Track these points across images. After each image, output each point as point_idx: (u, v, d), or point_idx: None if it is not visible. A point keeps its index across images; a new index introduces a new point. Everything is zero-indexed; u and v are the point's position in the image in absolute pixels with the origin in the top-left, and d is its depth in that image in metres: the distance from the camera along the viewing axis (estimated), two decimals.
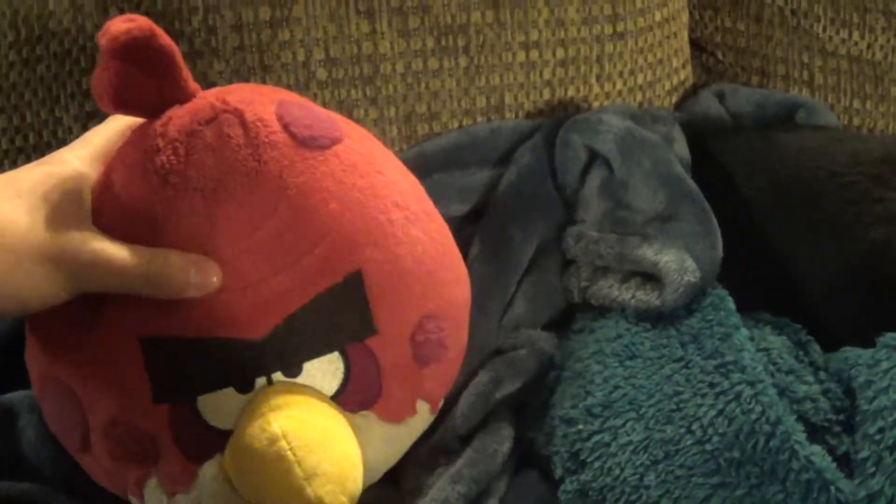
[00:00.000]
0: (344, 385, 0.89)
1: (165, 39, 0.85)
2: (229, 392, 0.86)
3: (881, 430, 0.90)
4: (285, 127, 0.87)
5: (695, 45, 1.48)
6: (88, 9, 1.19)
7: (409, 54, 1.24)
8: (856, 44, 1.44)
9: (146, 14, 1.14)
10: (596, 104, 1.32)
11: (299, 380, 0.87)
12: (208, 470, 0.87)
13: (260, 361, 0.86)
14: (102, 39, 0.83)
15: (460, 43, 1.25)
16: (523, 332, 1.11)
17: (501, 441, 1.02)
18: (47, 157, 0.89)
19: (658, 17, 1.36)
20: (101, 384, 0.86)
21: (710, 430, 0.92)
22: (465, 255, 1.15)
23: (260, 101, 0.89)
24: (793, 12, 1.44)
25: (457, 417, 1.03)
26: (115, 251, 0.82)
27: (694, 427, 0.93)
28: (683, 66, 1.43)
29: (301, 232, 0.86)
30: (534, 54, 1.28)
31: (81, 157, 0.89)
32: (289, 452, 0.82)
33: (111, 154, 0.90)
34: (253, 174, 0.84)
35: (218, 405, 0.86)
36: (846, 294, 1.09)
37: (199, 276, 0.83)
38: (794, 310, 1.10)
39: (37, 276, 0.80)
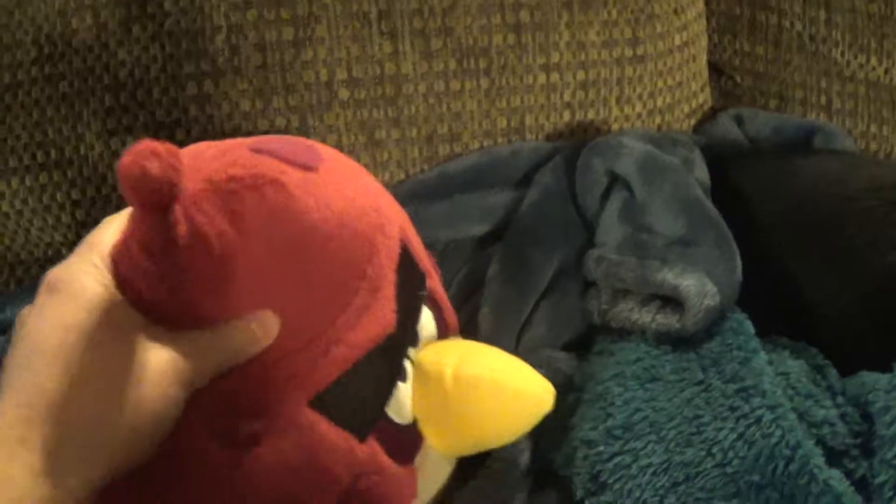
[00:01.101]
0: (437, 326, 0.96)
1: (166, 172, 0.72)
2: (398, 386, 0.88)
3: None
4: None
5: (713, 68, 1.48)
6: (111, 26, 1.19)
7: (432, 75, 1.25)
8: (874, 69, 1.44)
9: (169, 34, 1.16)
10: (615, 126, 1.33)
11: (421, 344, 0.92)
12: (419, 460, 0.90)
13: (398, 349, 0.88)
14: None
15: (482, 65, 1.26)
16: (542, 353, 1.12)
17: (519, 454, 1.03)
18: (62, 282, 0.75)
19: (677, 40, 1.37)
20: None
21: (730, 454, 0.92)
22: (484, 275, 1.16)
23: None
24: (811, 37, 1.45)
25: None
26: (187, 355, 0.76)
27: (714, 450, 0.93)
28: (702, 90, 1.43)
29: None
30: (554, 77, 1.29)
31: (97, 273, 0.76)
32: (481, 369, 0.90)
33: None
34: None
35: (397, 404, 0.87)
36: (863, 318, 1.09)
37: (261, 326, 0.79)
38: (812, 334, 1.10)
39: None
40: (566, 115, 1.30)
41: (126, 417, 0.72)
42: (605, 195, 1.19)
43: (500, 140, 1.27)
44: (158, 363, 0.74)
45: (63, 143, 1.21)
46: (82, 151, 1.21)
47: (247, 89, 1.19)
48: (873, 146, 1.46)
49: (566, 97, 1.29)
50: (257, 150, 0.81)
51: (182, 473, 0.78)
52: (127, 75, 1.19)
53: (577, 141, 1.26)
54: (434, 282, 0.97)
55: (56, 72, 1.20)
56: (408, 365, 0.89)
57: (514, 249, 1.17)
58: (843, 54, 1.44)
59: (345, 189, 0.87)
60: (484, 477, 1.01)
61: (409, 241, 0.93)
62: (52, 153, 1.21)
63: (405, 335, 0.89)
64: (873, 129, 1.45)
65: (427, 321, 0.94)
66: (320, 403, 0.81)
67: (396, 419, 0.87)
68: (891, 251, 1.08)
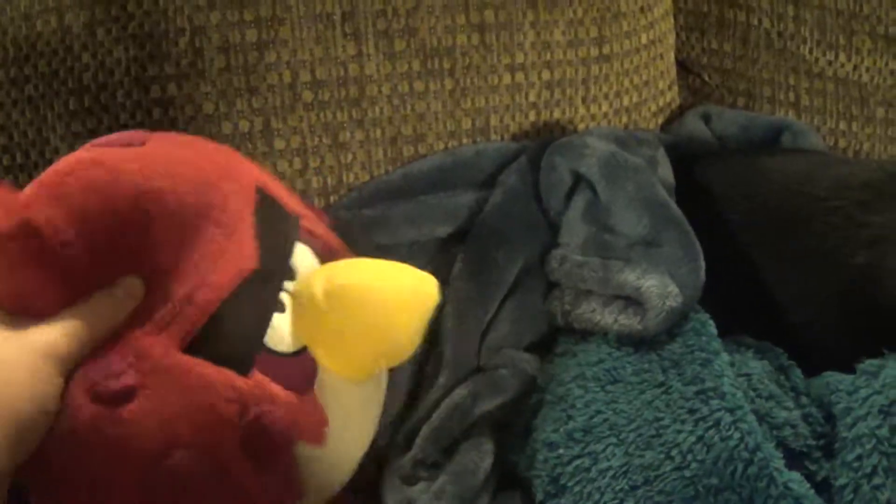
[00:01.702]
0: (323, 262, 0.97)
1: None
2: (275, 317, 0.89)
3: (859, 458, 0.91)
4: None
5: (681, 66, 1.48)
6: (76, 30, 1.19)
7: (395, 77, 1.24)
8: (842, 66, 1.45)
9: (132, 37, 1.16)
10: (582, 126, 1.32)
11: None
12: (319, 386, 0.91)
13: (269, 283, 0.90)
14: None
15: (446, 65, 1.26)
16: (506, 353, 1.12)
17: (482, 456, 1.03)
18: None
19: (644, 39, 1.37)
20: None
21: (689, 457, 0.92)
22: (448, 274, 1.15)
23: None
24: (779, 34, 1.45)
25: (433, 429, 1.04)
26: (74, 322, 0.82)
27: (673, 453, 0.93)
28: (670, 88, 1.43)
29: None
30: (519, 77, 1.28)
31: None
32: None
33: None
34: None
35: (276, 334, 0.88)
36: (829, 318, 1.10)
37: (125, 291, 0.84)
38: (777, 334, 1.10)
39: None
40: (532, 115, 1.29)
41: (6, 415, 0.76)
42: (570, 195, 1.19)
43: (464, 141, 1.27)
44: (25, 354, 0.78)
45: (28, 147, 1.21)
46: (47, 155, 1.21)
47: (210, 92, 1.19)
48: (842, 143, 1.46)
49: (531, 97, 1.29)
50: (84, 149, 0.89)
51: (69, 440, 0.82)
52: (91, 78, 1.19)
53: (543, 141, 1.25)
54: (310, 222, 0.98)
55: (21, 75, 1.20)
56: (284, 297, 0.90)
57: (477, 249, 1.17)
58: (811, 51, 1.45)
59: (176, 152, 0.91)
60: (448, 479, 1.01)
61: (267, 187, 0.94)
62: (18, 156, 1.21)
63: (275, 270, 0.90)
64: (842, 125, 1.46)
65: (303, 256, 0.94)
66: (193, 347, 0.84)
67: (279, 349, 0.88)
68: (858, 252, 1.09)
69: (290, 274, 0.92)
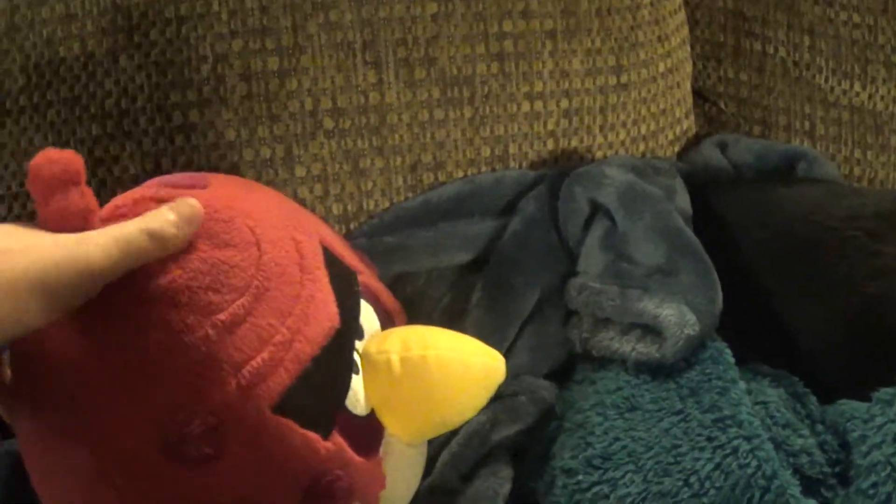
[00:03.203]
0: (380, 319, 0.97)
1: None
2: (355, 379, 0.89)
3: (874, 486, 0.92)
4: None
5: (698, 95, 1.49)
6: (98, 56, 1.20)
7: (416, 105, 1.25)
8: (857, 94, 1.45)
9: (155, 63, 1.17)
10: (599, 154, 1.33)
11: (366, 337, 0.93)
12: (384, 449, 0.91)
13: (348, 342, 0.89)
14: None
15: (465, 94, 1.27)
16: (524, 380, 1.13)
17: (501, 483, 1.04)
18: None
19: (661, 68, 1.38)
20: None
21: (706, 484, 0.93)
22: (467, 302, 1.16)
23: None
24: (795, 63, 1.45)
25: (452, 455, 1.05)
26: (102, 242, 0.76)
27: (691, 480, 0.94)
28: (686, 117, 1.44)
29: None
30: (538, 105, 1.29)
31: None
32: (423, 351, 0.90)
33: None
34: None
35: (354, 396, 0.88)
36: (843, 347, 1.10)
37: (177, 211, 0.79)
38: (793, 362, 1.11)
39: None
40: (550, 144, 1.30)
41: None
42: (588, 224, 1.19)
43: (483, 168, 1.28)
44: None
45: None
46: None
47: (232, 119, 1.20)
48: (857, 171, 1.47)
49: (550, 125, 1.30)
50: (148, 185, 0.87)
51: (131, 484, 0.80)
52: (113, 105, 1.20)
53: (561, 169, 1.26)
54: (367, 277, 0.98)
55: (44, 100, 1.21)
56: (357, 357, 0.90)
57: (497, 277, 1.18)
58: (826, 80, 1.45)
59: (246, 195, 0.89)
60: None
61: (326, 240, 0.93)
62: None
63: (350, 328, 0.89)
64: (857, 154, 1.46)
65: (368, 314, 0.95)
66: (284, 407, 0.81)
67: (355, 412, 0.88)
68: (870, 281, 1.09)
69: (360, 333, 0.92)
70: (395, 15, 1.24)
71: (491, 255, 1.20)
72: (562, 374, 1.15)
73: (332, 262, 0.91)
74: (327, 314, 0.86)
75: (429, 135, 1.26)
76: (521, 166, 1.30)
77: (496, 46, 1.27)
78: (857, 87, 1.45)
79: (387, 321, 0.98)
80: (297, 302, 0.84)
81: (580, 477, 0.97)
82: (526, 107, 1.29)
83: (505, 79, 1.28)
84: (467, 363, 0.91)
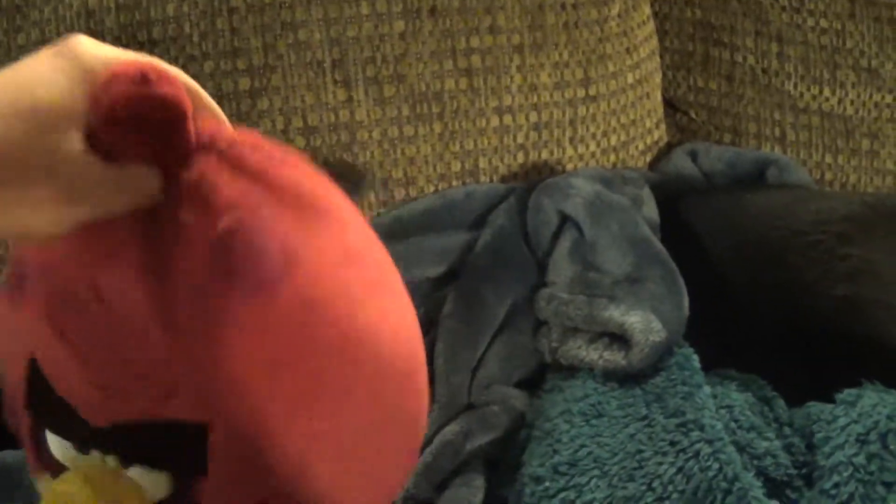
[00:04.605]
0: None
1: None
2: (69, 445, 0.80)
3: (836, 486, 0.93)
4: None
5: (668, 105, 1.51)
6: None
7: (385, 121, 1.27)
8: (827, 99, 1.47)
9: None
10: (570, 166, 1.35)
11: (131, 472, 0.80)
12: (44, 482, 0.84)
13: (98, 440, 0.79)
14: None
15: (435, 109, 1.28)
16: (496, 389, 1.14)
17: (474, 492, 1.05)
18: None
19: (630, 79, 1.39)
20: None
21: (669, 488, 0.94)
22: (439, 314, 1.18)
23: None
24: (764, 70, 1.47)
25: (426, 465, 1.06)
26: None
27: (655, 484, 0.95)
28: (657, 126, 1.46)
29: None
30: (507, 119, 1.31)
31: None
32: None
33: None
34: None
35: (58, 446, 0.80)
36: (811, 349, 1.12)
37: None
38: (762, 365, 1.12)
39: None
40: (520, 157, 1.32)
41: None
42: (557, 235, 1.21)
43: (454, 183, 1.30)
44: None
45: None
46: None
47: None
48: (829, 175, 1.48)
49: (519, 139, 1.32)
50: None
51: None
52: None
53: (531, 182, 1.27)
54: None
55: None
56: (96, 454, 0.80)
57: (468, 289, 1.19)
58: (795, 86, 1.47)
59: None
60: None
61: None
62: None
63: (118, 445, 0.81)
64: (828, 159, 1.48)
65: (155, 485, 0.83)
66: None
67: (49, 445, 0.81)
68: (838, 284, 1.11)
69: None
70: (363, 33, 1.26)
71: (462, 268, 1.21)
72: (533, 384, 1.16)
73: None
74: None
75: (399, 151, 1.27)
76: (491, 180, 1.31)
77: (464, 62, 1.29)
78: (826, 92, 1.46)
79: None
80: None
81: (547, 484, 0.98)
82: (495, 121, 1.30)
83: (474, 94, 1.29)
84: None
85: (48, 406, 0.79)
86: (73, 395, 0.77)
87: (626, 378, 1.09)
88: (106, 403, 0.75)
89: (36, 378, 0.79)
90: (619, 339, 1.11)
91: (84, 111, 0.67)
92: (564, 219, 1.21)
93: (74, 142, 0.66)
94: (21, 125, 0.64)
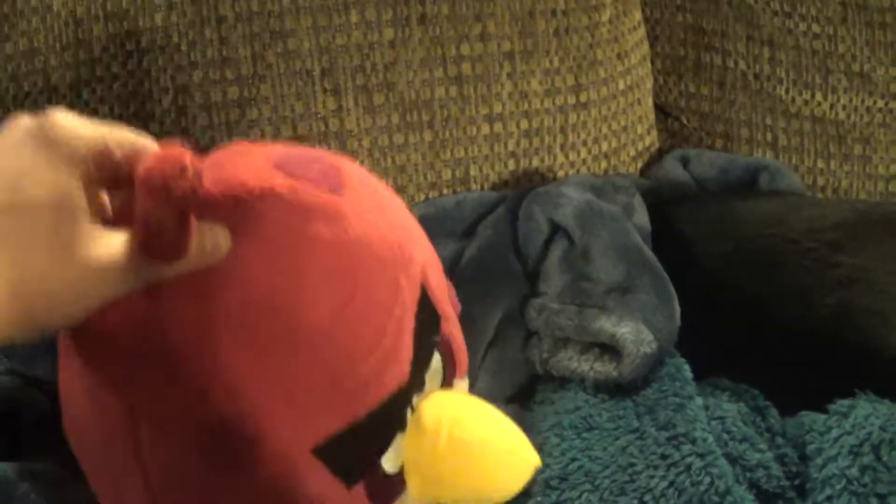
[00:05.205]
0: (444, 371, 0.93)
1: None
2: (398, 437, 0.87)
3: (829, 499, 0.92)
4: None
5: (660, 110, 1.50)
6: (62, 90, 1.22)
7: (375, 130, 1.26)
8: (819, 104, 1.46)
9: (117, 96, 1.18)
10: (561, 173, 1.34)
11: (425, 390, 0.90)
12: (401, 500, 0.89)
13: (407, 398, 0.86)
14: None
15: (425, 118, 1.28)
16: None
17: None
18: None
19: (621, 85, 1.39)
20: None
21: (661, 502, 0.94)
22: None
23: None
24: (755, 76, 1.47)
25: None
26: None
27: (646, 498, 0.94)
28: (648, 132, 1.45)
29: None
30: (498, 127, 1.30)
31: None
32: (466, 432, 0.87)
33: None
34: None
35: (393, 455, 0.86)
36: (804, 359, 1.11)
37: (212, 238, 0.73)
38: (754, 375, 1.12)
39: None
40: (511, 165, 1.31)
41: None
42: (548, 244, 1.20)
43: (445, 191, 1.29)
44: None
45: None
46: None
47: (193, 150, 1.20)
48: (821, 181, 1.48)
49: (510, 147, 1.31)
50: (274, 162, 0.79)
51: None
52: None
53: (522, 190, 1.27)
54: (450, 324, 0.96)
55: None
56: (408, 412, 0.88)
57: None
58: (787, 91, 1.46)
59: (366, 218, 0.83)
60: None
61: (428, 281, 0.90)
62: None
63: (414, 385, 0.87)
64: (820, 164, 1.47)
65: (436, 367, 0.92)
66: (324, 451, 0.80)
67: (388, 469, 0.86)
68: (830, 292, 1.11)
69: (421, 386, 0.90)
70: (352, 42, 1.25)
71: (451, 279, 1.20)
72: (524, 397, 1.15)
73: (424, 307, 0.88)
74: (399, 371, 0.84)
75: (389, 159, 1.27)
76: (482, 188, 1.31)
77: (454, 70, 1.28)
78: (818, 97, 1.46)
79: (451, 374, 0.96)
80: (375, 352, 0.82)
81: (539, 499, 0.98)
82: (486, 129, 1.30)
83: (464, 102, 1.29)
84: (510, 462, 0.92)
85: (365, 447, 0.85)
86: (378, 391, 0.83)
87: (618, 389, 1.08)
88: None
89: (333, 455, 0.81)
90: (611, 349, 1.10)
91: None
92: (555, 228, 1.20)
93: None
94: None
